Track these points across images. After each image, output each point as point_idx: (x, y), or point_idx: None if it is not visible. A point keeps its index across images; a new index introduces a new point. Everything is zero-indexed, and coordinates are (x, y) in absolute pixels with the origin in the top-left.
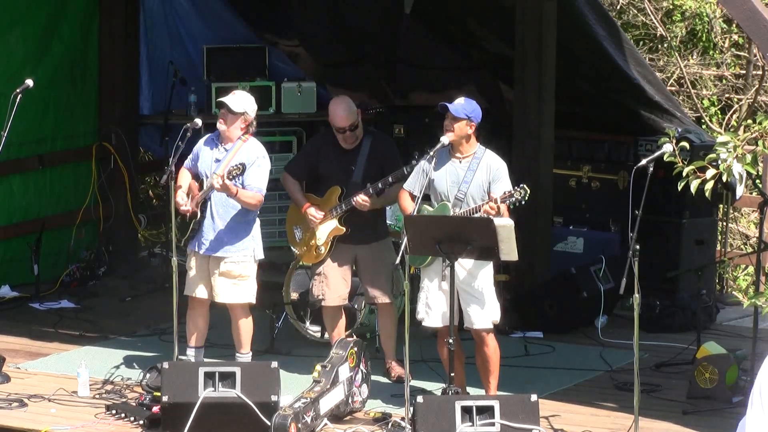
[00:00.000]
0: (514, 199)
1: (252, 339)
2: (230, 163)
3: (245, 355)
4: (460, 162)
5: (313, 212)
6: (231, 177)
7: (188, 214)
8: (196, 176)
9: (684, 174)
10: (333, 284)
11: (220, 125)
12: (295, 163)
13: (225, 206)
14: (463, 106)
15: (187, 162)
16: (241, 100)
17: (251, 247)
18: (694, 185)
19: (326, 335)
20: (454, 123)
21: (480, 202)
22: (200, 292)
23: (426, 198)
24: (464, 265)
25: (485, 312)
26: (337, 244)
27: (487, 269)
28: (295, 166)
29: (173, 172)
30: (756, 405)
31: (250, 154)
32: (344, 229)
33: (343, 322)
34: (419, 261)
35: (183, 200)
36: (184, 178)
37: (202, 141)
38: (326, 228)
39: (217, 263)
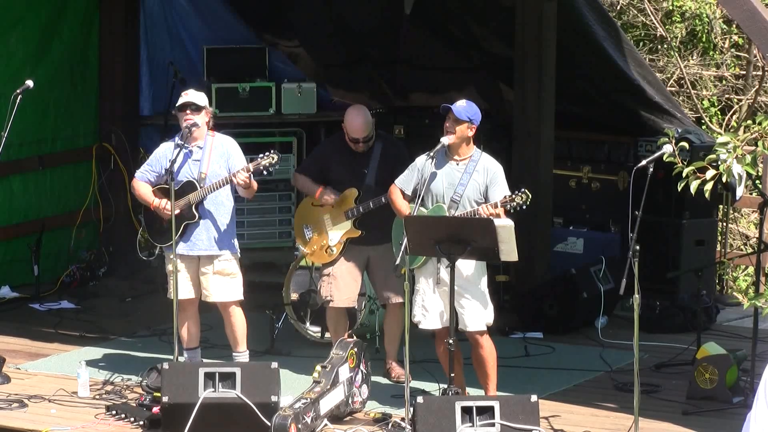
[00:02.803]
0: (515, 203)
1: (250, 338)
2: (211, 158)
3: (243, 353)
4: (457, 164)
5: (329, 193)
6: (262, 167)
7: (169, 218)
8: (158, 185)
9: (684, 175)
10: (342, 286)
11: (190, 122)
12: (306, 164)
13: (217, 205)
14: (465, 108)
15: (143, 176)
16: (200, 96)
17: (236, 244)
18: (693, 186)
19: (326, 335)
20: (456, 125)
21: (475, 205)
22: (189, 293)
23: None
24: (458, 267)
25: (478, 314)
26: (349, 245)
27: (482, 271)
28: (306, 168)
29: (173, 172)
30: (761, 401)
31: (231, 146)
32: (359, 232)
33: (345, 326)
34: (413, 262)
35: (162, 205)
36: (145, 189)
37: (161, 149)
38: (340, 229)
39: (210, 262)
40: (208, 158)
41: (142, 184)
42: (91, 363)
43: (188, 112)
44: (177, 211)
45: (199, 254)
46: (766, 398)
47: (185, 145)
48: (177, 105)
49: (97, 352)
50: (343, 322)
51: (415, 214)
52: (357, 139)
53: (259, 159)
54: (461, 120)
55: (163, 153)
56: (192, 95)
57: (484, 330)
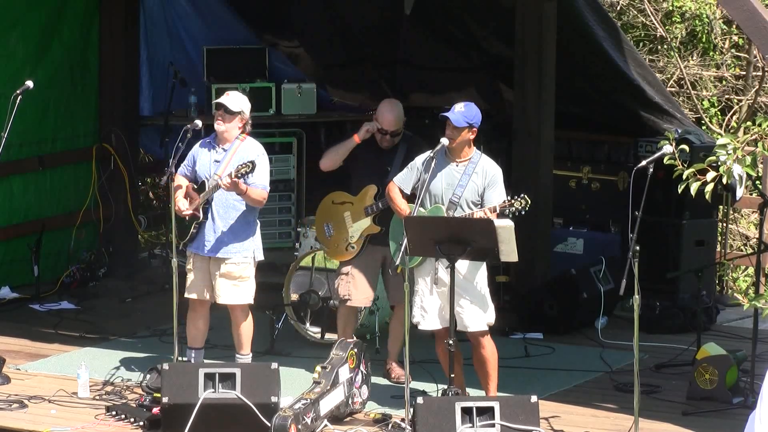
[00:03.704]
0: (514, 208)
1: (252, 340)
2: (230, 162)
3: (245, 356)
4: (457, 165)
5: (367, 125)
6: (240, 175)
7: (188, 217)
8: (194, 180)
9: (684, 177)
10: (360, 284)
11: (219, 126)
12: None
13: (226, 207)
14: (463, 114)
15: (182, 169)
16: (238, 100)
17: (251, 248)
18: (694, 187)
19: (326, 336)
20: (457, 132)
21: (474, 206)
22: (201, 294)
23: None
24: (458, 267)
25: (479, 314)
26: (367, 245)
27: (481, 271)
28: None
29: (173, 173)
30: (765, 399)
31: (251, 153)
32: (379, 228)
33: (354, 326)
34: (410, 262)
35: (184, 205)
36: (181, 183)
37: (198, 145)
38: (360, 226)
39: (218, 264)
40: (227, 162)
41: (181, 178)
42: (91, 364)
43: (221, 112)
44: (189, 211)
45: (208, 255)
46: None
47: (216, 145)
48: (213, 102)
49: (97, 353)
50: (352, 321)
51: (414, 214)
52: (386, 131)
53: (238, 166)
54: (460, 127)
55: (195, 151)
56: (230, 98)
57: (485, 330)
